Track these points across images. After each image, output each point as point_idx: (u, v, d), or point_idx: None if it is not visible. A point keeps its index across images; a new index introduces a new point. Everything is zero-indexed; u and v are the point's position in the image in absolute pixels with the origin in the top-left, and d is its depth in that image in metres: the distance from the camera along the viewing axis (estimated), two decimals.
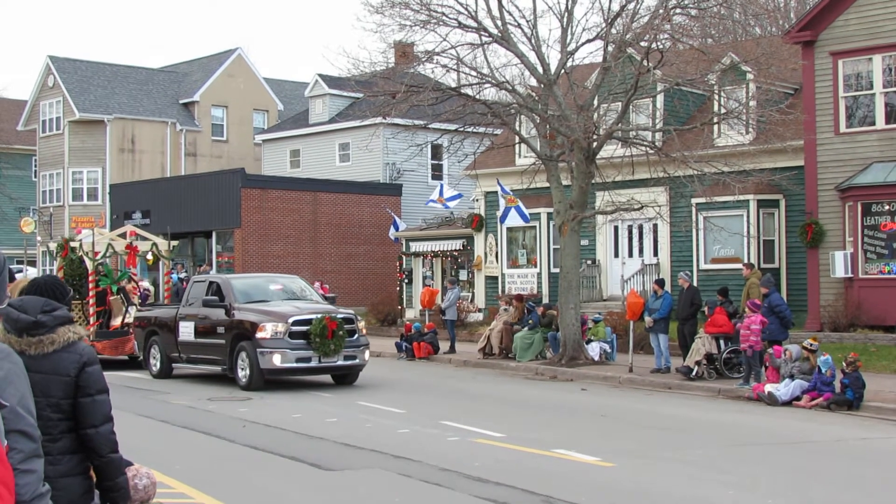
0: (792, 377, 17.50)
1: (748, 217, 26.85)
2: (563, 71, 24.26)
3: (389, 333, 32.41)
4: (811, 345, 17.81)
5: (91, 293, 25.28)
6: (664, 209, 26.72)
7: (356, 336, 20.43)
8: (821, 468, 11.94)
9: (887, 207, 24.30)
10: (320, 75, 46.16)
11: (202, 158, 52.45)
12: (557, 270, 26.79)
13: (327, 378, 21.28)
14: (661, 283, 22.49)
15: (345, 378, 20.92)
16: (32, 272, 43.71)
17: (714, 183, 23.44)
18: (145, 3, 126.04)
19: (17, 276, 38.74)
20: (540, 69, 24.08)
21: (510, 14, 24.20)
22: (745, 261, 24.58)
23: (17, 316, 4.61)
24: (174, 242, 28.26)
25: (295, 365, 19.70)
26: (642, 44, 22.86)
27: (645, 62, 22.37)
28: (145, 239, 27.77)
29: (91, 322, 25.13)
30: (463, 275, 35.86)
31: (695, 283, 24.17)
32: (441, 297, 31.02)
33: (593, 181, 24.46)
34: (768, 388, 17.50)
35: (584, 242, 28.17)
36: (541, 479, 10.88)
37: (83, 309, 25.82)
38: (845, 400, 16.58)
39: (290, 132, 47.82)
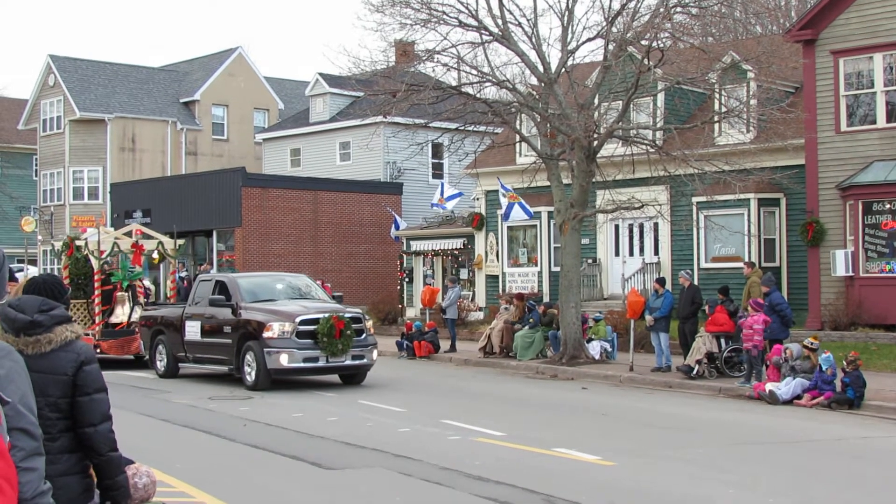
0: (793, 376, 17.50)
1: (749, 216, 26.85)
2: (563, 69, 24.26)
3: (390, 332, 32.41)
4: (812, 343, 17.81)
5: (97, 292, 25.16)
6: (665, 208, 26.72)
7: (364, 335, 20.23)
8: (821, 467, 11.93)
9: (888, 206, 24.30)
10: (321, 74, 46.16)
11: (203, 157, 52.46)
12: (558, 269, 26.79)
13: (328, 377, 21.23)
14: (661, 281, 22.49)
15: (353, 378, 20.72)
16: (33, 271, 43.68)
17: (715, 182, 23.43)
18: (146, 2, 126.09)
19: (18, 275, 38.64)
20: (540, 68, 24.07)
21: (510, 13, 24.22)
22: (746, 259, 24.57)
23: (15, 315, 4.61)
24: (180, 241, 28.05)
25: (302, 365, 19.51)
26: (643, 42, 22.85)
27: (645, 61, 22.36)
28: (151, 238, 27.58)
29: (97, 321, 25.03)
30: (464, 274, 35.86)
31: (695, 282, 24.18)
32: (442, 296, 31.03)
33: (594, 180, 24.46)
34: (769, 386, 17.49)
35: (585, 241, 28.17)
36: (541, 477, 10.88)
37: (88, 308, 25.73)
38: (846, 399, 16.58)
39: (291, 131, 47.82)
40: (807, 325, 24.95)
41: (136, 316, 24.88)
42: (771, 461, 12.08)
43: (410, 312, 35.83)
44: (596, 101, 24.15)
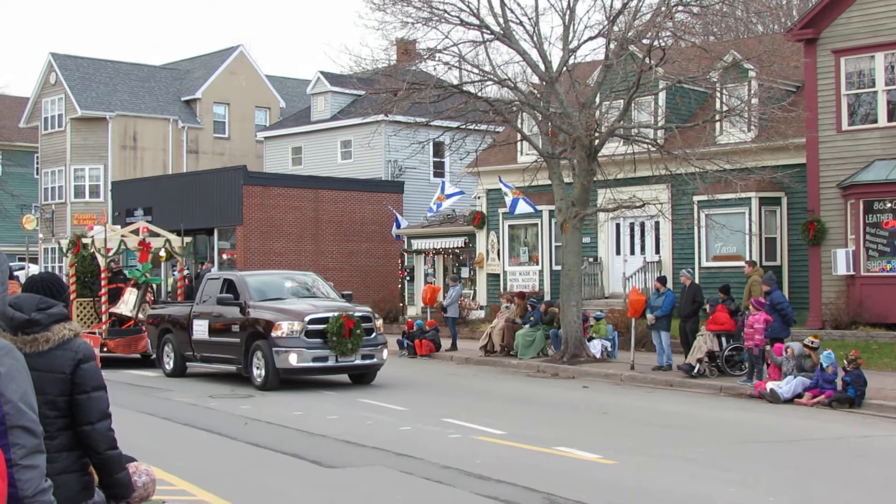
0: (794, 374, 17.50)
1: (750, 214, 26.85)
2: (564, 68, 24.26)
3: (391, 331, 32.38)
4: (812, 342, 17.81)
5: (103, 290, 25.03)
6: (666, 207, 26.72)
7: (374, 335, 19.93)
8: (822, 466, 11.93)
9: (889, 205, 24.30)
10: (322, 73, 46.15)
11: (204, 156, 52.46)
12: (559, 268, 26.79)
13: (329, 375, 21.16)
14: (662, 280, 22.48)
15: (362, 378, 20.46)
16: (34, 269, 43.72)
17: (716, 180, 23.44)
18: (148, 0, 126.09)
19: (19, 273, 38.49)
20: (542, 67, 24.07)
21: (512, 11, 24.23)
22: (747, 258, 24.57)
23: (13, 314, 4.60)
24: (187, 239, 27.85)
25: (311, 364, 19.26)
26: (644, 41, 22.85)
27: (647, 60, 22.36)
28: (158, 235, 27.41)
29: (103, 319, 24.91)
30: (465, 272, 35.87)
31: (696, 281, 24.18)
32: (443, 295, 31.04)
33: (595, 179, 24.45)
34: (770, 385, 17.49)
35: (586, 240, 28.17)
36: (542, 476, 10.88)
37: (95, 306, 25.60)
38: (847, 397, 16.58)
39: (292, 129, 47.82)
40: (808, 324, 24.95)
41: (142, 314, 24.71)
42: (772, 460, 12.09)
43: (411, 311, 35.85)
44: (597, 99, 24.15)
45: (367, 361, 19.84)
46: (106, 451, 4.79)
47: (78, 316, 25.38)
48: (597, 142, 23.48)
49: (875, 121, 25.02)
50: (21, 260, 49.30)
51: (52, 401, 4.63)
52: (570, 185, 24.61)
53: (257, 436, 13.97)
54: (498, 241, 33.80)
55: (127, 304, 25.13)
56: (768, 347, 18.30)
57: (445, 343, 27.36)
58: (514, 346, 24.96)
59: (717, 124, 25.90)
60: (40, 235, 50.90)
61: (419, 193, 42.39)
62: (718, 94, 24.92)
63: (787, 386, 17.30)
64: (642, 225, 30.45)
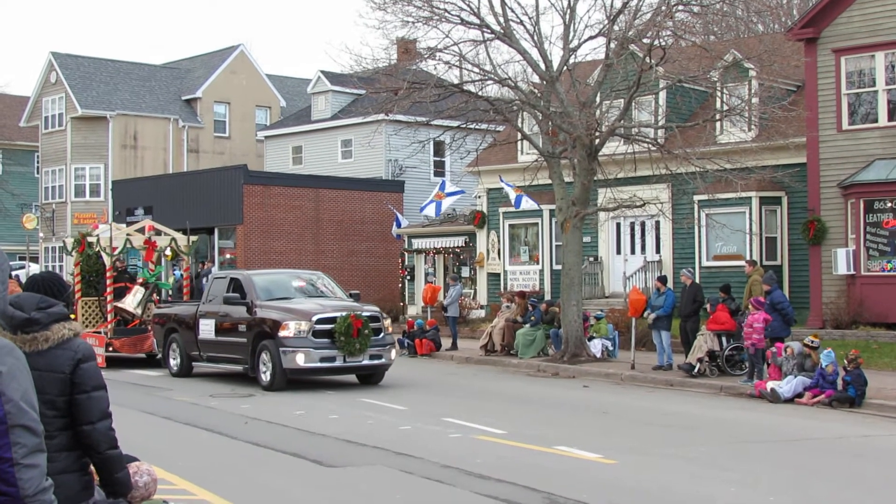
0: (794, 374, 17.50)
1: (750, 214, 26.85)
2: (565, 68, 24.26)
3: (391, 330, 32.40)
4: (812, 342, 17.82)
5: (108, 289, 24.93)
6: (666, 206, 26.73)
7: (382, 334, 19.76)
8: (822, 465, 11.94)
9: (889, 205, 24.30)
10: (323, 72, 46.15)
11: (204, 155, 52.45)
12: (559, 267, 26.79)
13: (344, 376, 20.86)
14: (663, 280, 22.48)
15: (370, 378, 20.28)
16: (34, 268, 43.70)
17: (716, 180, 23.44)
18: (148, 0, 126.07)
19: (19, 272, 38.44)
20: (542, 66, 24.07)
21: (512, 11, 24.26)
22: (748, 258, 24.58)
23: (13, 313, 4.60)
24: (194, 238, 27.71)
25: (319, 365, 19.07)
26: (645, 41, 22.85)
27: (647, 59, 22.36)
28: (161, 234, 27.25)
29: (108, 319, 24.82)
30: (465, 272, 35.87)
31: (697, 280, 24.18)
32: (443, 294, 31.03)
33: (595, 178, 24.45)
34: (770, 385, 17.50)
35: (587, 239, 28.18)
36: (542, 476, 10.88)
37: (100, 305, 25.52)
38: (847, 397, 16.58)
39: (293, 129, 47.81)
40: (808, 324, 24.95)
41: (147, 314, 24.60)
42: (772, 459, 12.09)
43: (412, 310, 35.85)
44: (598, 99, 24.15)
45: (376, 362, 19.68)
46: (107, 451, 4.79)
47: (83, 315, 25.29)
48: (597, 141, 23.49)
49: (875, 120, 25.02)
50: (21, 259, 49.27)
51: (51, 400, 4.63)
52: (571, 185, 24.61)
53: (258, 435, 13.97)
54: (498, 241, 33.80)
55: (132, 299, 25.02)
56: (773, 349, 18.28)
57: (446, 342, 27.36)
58: (515, 345, 24.96)
59: (718, 124, 25.90)
60: (41, 235, 50.90)
61: (420, 193, 42.35)
62: (719, 94, 24.92)
63: (787, 385, 17.30)
64: (643, 224, 30.45)
